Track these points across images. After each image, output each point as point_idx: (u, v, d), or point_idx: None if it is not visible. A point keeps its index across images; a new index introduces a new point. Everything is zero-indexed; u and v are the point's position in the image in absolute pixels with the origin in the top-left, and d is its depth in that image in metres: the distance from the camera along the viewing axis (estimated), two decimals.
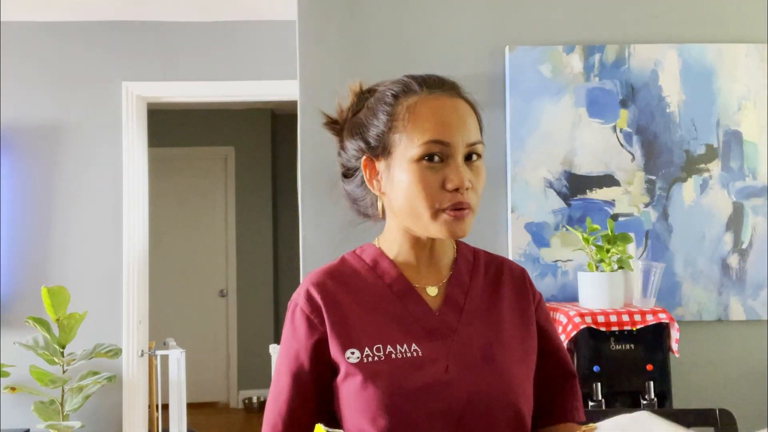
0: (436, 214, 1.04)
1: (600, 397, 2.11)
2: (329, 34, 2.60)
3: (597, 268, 2.24)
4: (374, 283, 1.11)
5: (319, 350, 1.06)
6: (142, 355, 3.59)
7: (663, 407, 2.12)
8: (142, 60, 3.62)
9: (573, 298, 2.49)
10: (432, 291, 1.11)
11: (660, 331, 2.16)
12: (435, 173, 1.03)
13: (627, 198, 2.56)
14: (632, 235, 2.26)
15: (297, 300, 1.10)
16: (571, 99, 2.56)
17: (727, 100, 2.58)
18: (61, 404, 3.22)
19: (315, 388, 1.07)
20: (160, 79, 3.63)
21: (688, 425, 1.61)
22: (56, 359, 3.22)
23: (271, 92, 3.69)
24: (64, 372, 3.25)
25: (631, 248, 2.34)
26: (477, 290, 1.13)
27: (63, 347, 3.23)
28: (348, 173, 1.17)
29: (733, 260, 2.55)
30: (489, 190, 2.60)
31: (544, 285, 2.52)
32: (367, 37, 2.61)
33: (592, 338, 2.14)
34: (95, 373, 3.30)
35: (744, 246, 2.55)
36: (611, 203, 2.56)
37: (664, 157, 2.57)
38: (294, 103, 2.68)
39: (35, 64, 3.59)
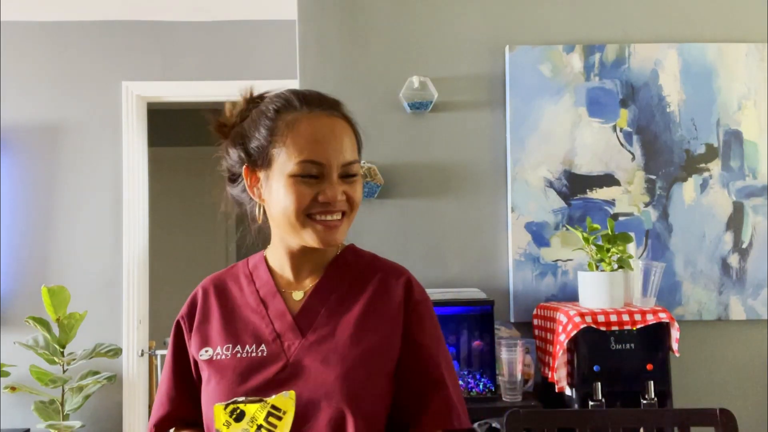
0: (305, 222, 1.10)
1: (600, 397, 2.11)
2: (329, 34, 2.60)
3: (597, 267, 2.23)
4: (247, 287, 1.20)
5: (183, 347, 1.20)
6: (142, 354, 3.59)
7: (663, 407, 2.12)
8: (142, 60, 3.62)
9: (573, 298, 2.49)
10: (297, 296, 1.17)
11: (660, 331, 2.16)
12: (309, 187, 1.08)
13: (627, 198, 2.56)
14: (632, 234, 2.26)
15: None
16: (571, 99, 2.56)
17: (727, 100, 2.58)
18: (61, 404, 3.22)
19: (190, 378, 1.20)
20: (160, 78, 3.63)
21: (688, 425, 1.61)
22: (56, 359, 3.22)
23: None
24: (64, 372, 3.25)
25: (631, 248, 2.33)
26: (340, 294, 1.16)
27: (63, 347, 3.23)
28: (232, 178, 1.23)
29: (734, 260, 2.55)
30: (489, 190, 2.61)
31: (544, 285, 2.52)
32: (367, 37, 2.61)
33: (592, 338, 2.14)
34: (95, 373, 3.30)
35: (744, 245, 2.55)
36: (611, 203, 2.56)
37: (664, 157, 2.57)
38: None
39: (35, 64, 3.59)
